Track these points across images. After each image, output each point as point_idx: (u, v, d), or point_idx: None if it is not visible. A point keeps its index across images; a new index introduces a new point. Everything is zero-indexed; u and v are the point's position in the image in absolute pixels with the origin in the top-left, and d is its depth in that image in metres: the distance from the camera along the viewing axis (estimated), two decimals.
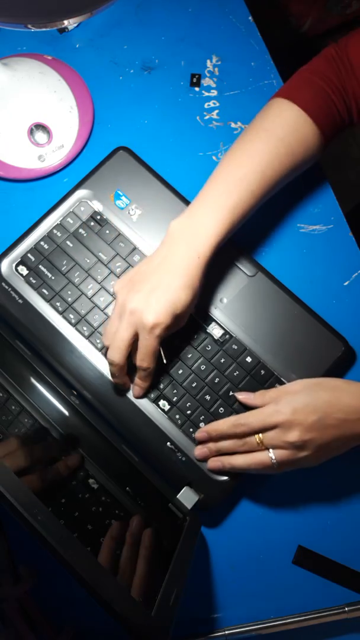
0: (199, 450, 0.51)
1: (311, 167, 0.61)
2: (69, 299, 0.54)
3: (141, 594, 0.39)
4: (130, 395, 0.52)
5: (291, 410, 0.45)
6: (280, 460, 0.46)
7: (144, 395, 0.52)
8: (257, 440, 0.47)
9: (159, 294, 0.47)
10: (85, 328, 0.54)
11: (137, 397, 0.52)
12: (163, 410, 0.52)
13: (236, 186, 0.49)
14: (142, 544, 0.43)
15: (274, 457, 0.46)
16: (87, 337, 0.54)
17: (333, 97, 0.52)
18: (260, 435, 0.47)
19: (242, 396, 0.51)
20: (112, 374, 0.51)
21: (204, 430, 0.50)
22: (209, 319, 0.54)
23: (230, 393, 0.52)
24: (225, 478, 0.51)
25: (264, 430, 0.47)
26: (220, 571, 0.54)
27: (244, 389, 0.52)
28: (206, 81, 0.64)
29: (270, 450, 0.47)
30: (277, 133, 0.51)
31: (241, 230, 0.59)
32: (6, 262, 0.55)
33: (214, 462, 0.50)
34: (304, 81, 0.52)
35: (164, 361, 0.51)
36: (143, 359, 0.49)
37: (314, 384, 0.47)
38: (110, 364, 0.50)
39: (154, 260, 0.49)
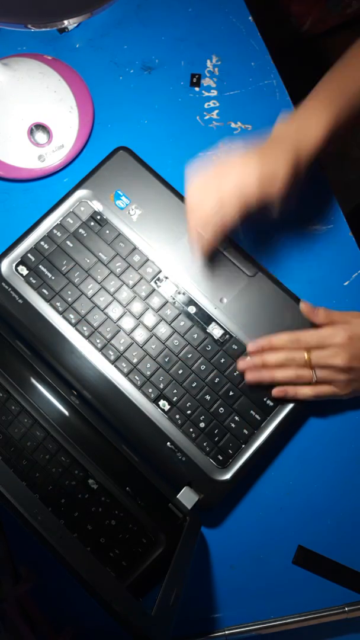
0: (242, 362, 0.52)
1: (311, 167, 0.61)
2: (69, 299, 0.54)
3: None
4: (130, 395, 0.52)
5: (348, 336, 0.49)
6: (321, 378, 0.50)
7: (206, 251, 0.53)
8: (306, 357, 0.50)
9: (262, 167, 0.47)
10: (85, 328, 0.54)
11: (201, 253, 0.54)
12: (163, 410, 0.52)
13: (343, 97, 0.50)
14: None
15: (315, 376, 0.50)
16: (87, 337, 0.54)
17: None
18: (309, 355, 0.50)
19: (306, 307, 0.52)
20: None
21: (257, 342, 0.52)
22: (209, 319, 0.54)
23: (301, 304, 0.53)
24: (225, 478, 0.51)
25: (317, 348, 0.50)
26: (220, 571, 0.54)
27: (244, 389, 0.53)
28: (206, 81, 0.64)
29: (315, 369, 0.50)
30: None
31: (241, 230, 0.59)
32: (6, 262, 0.55)
33: (252, 374, 0.52)
34: None
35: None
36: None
37: None
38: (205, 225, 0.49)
39: (257, 147, 0.50)
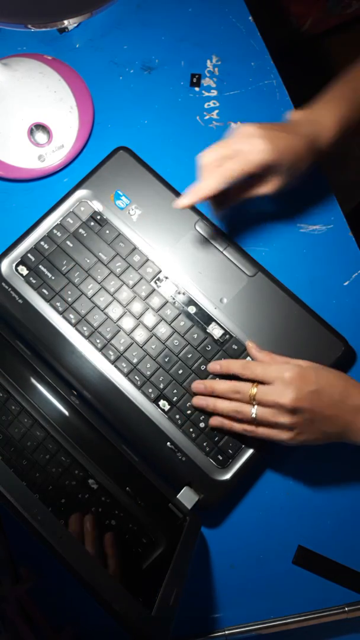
0: (197, 383, 0.51)
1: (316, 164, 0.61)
2: (69, 299, 0.54)
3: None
4: (130, 395, 0.52)
5: (295, 373, 0.46)
6: (260, 418, 0.47)
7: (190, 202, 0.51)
8: (251, 392, 0.47)
9: (280, 135, 0.49)
10: (85, 328, 0.54)
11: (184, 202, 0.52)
12: (163, 410, 0.52)
13: (354, 98, 0.53)
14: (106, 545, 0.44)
15: (254, 413, 0.47)
16: (87, 337, 0.54)
17: None
18: (255, 389, 0.47)
19: (252, 345, 0.51)
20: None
21: (218, 362, 0.51)
22: (209, 319, 0.54)
23: (247, 343, 0.52)
24: (225, 478, 0.51)
25: (264, 380, 0.47)
26: (220, 571, 0.54)
27: None
28: (206, 81, 0.64)
29: (255, 406, 0.47)
30: None
31: (241, 230, 0.59)
32: (6, 262, 0.55)
33: (199, 400, 0.51)
34: None
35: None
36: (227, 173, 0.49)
37: (322, 365, 0.48)
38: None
39: (275, 124, 0.51)
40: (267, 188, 0.53)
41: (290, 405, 0.45)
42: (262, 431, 0.48)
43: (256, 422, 0.47)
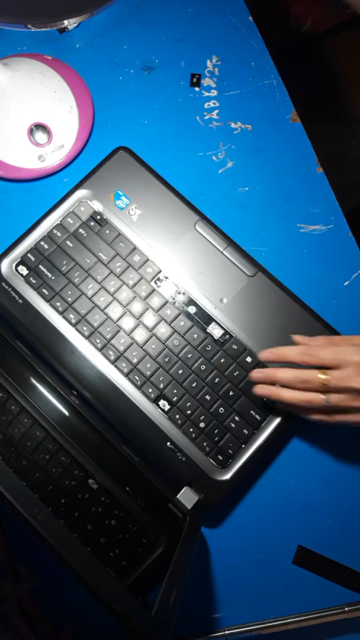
0: (255, 373, 0.49)
1: (311, 166, 0.61)
2: (69, 299, 0.54)
3: None
4: (130, 395, 0.52)
5: None
6: (336, 404, 0.44)
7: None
8: (321, 379, 0.44)
9: None
10: (85, 328, 0.54)
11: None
12: (163, 410, 0.52)
13: None
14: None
15: (329, 401, 0.45)
16: (87, 337, 0.54)
17: None
18: (325, 376, 0.44)
19: (299, 337, 0.49)
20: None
21: (269, 350, 0.48)
22: (209, 319, 0.54)
23: (295, 337, 0.49)
24: (225, 478, 0.51)
25: (331, 364, 0.45)
26: (220, 571, 0.54)
27: (244, 389, 0.53)
28: (206, 81, 0.64)
29: (329, 394, 0.45)
30: None
31: (241, 230, 0.59)
32: (6, 262, 0.55)
33: (261, 389, 0.49)
34: None
35: None
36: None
37: None
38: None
39: None
40: None
41: None
42: (340, 418, 0.46)
43: (331, 409, 0.45)
